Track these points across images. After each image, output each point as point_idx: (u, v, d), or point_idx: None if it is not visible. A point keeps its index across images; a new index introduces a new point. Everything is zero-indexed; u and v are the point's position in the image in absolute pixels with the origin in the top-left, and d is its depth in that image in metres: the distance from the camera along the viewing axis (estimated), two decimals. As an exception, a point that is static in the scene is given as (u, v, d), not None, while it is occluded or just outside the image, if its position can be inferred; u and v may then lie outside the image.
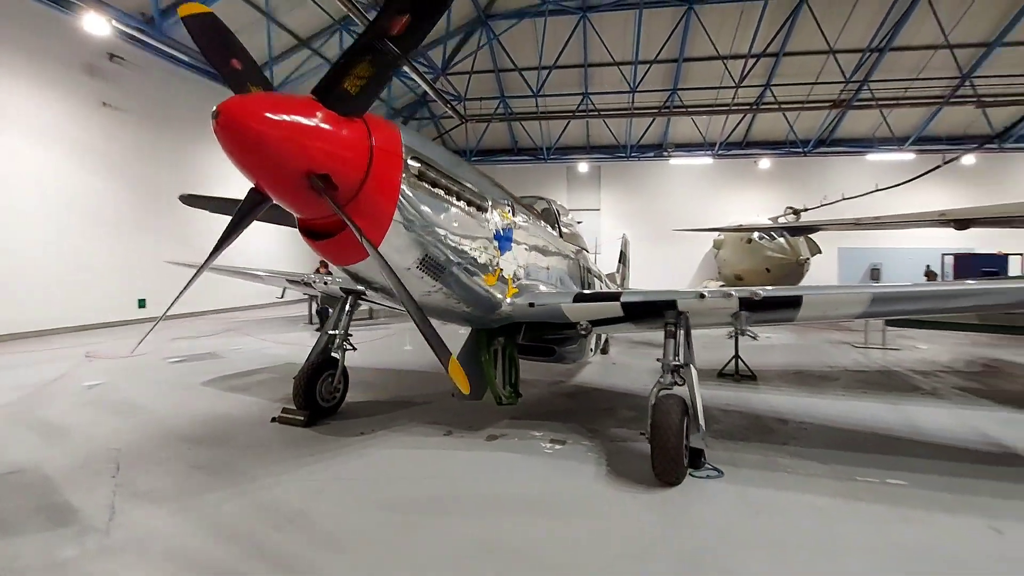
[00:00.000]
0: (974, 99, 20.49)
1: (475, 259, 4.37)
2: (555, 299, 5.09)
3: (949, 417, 6.19)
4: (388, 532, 3.47)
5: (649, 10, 19.55)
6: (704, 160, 26.07)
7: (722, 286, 22.73)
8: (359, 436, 5.32)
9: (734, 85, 20.83)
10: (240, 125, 2.79)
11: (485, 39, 21.50)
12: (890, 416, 6.25)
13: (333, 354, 6.04)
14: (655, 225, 27.04)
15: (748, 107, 22.70)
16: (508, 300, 4.91)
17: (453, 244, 4.09)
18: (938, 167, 16.86)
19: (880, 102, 21.25)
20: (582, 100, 24.38)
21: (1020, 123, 22.67)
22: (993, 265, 19.62)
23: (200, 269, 3.52)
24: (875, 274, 25.89)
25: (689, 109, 23.37)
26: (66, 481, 4.12)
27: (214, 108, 2.79)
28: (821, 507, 3.89)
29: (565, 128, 26.12)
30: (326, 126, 3.00)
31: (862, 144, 25.25)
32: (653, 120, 25.15)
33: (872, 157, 24.58)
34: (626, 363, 9.48)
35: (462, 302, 4.51)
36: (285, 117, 2.86)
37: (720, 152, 25.71)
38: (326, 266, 14.76)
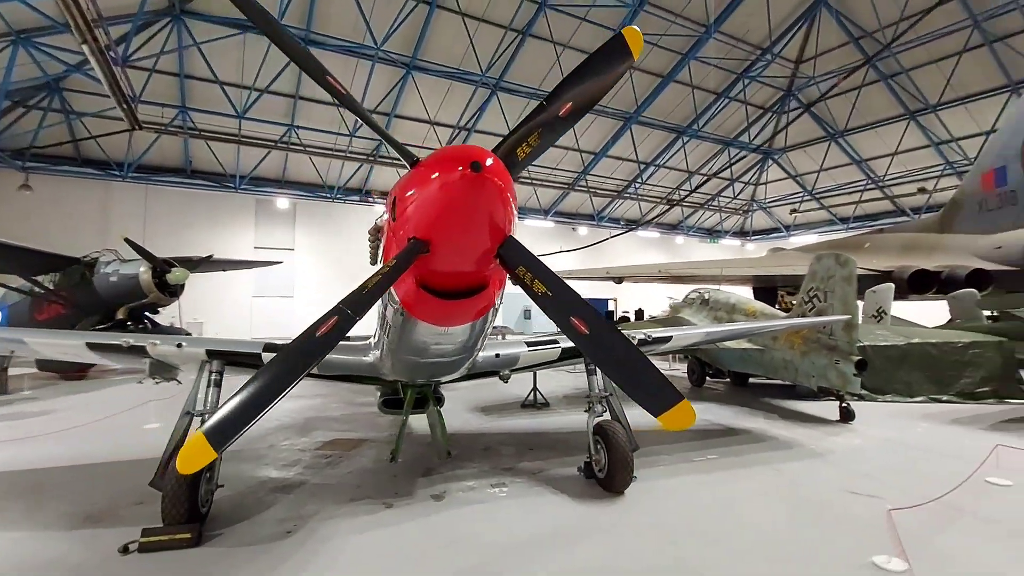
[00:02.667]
0: (586, 188, 29.40)
1: None
2: (516, 348, 5.47)
3: (679, 412, 9.24)
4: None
5: (378, 64, 20.52)
6: (406, 209, 28.21)
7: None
8: (288, 536, 4.30)
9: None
10: (497, 183, 2.70)
11: (180, 39, 18.03)
12: (648, 417, 8.86)
13: (203, 441, 4.59)
14: (356, 268, 27.55)
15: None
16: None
17: None
18: (614, 236, 23.81)
19: (534, 181, 27.77)
20: (287, 132, 23.05)
21: (607, 208, 33.57)
22: (603, 307, 28.21)
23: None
24: (527, 314, 33.03)
25: (395, 161, 25.17)
26: None
27: (470, 158, 2.61)
28: (704, 481, 5.63)
29: (264, 158, 23.90)
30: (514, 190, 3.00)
31: (520, 211, 32.26)
32: (361, 165, 25.81)
33: (528, 222, 31.73)
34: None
35: (474, 355, 4.47)
36: (509, 180, 2.78)
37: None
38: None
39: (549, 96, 3.12)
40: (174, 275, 14.07)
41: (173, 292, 14.55)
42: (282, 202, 25.62)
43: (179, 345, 4.73)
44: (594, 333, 3.03)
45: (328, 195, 26.79)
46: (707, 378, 12.16)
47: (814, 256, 9.21)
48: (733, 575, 3.68)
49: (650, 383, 3.15)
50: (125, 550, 3.98)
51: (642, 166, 29.74)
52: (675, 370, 14.30)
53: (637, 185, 31.25)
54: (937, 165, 26.89)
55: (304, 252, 27.01)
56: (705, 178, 32.43)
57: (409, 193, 2.88)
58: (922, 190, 27.61)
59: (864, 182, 30.36)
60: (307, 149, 23.03)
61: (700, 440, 7.35)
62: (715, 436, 7.59)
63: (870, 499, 5.00)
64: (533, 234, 31.14)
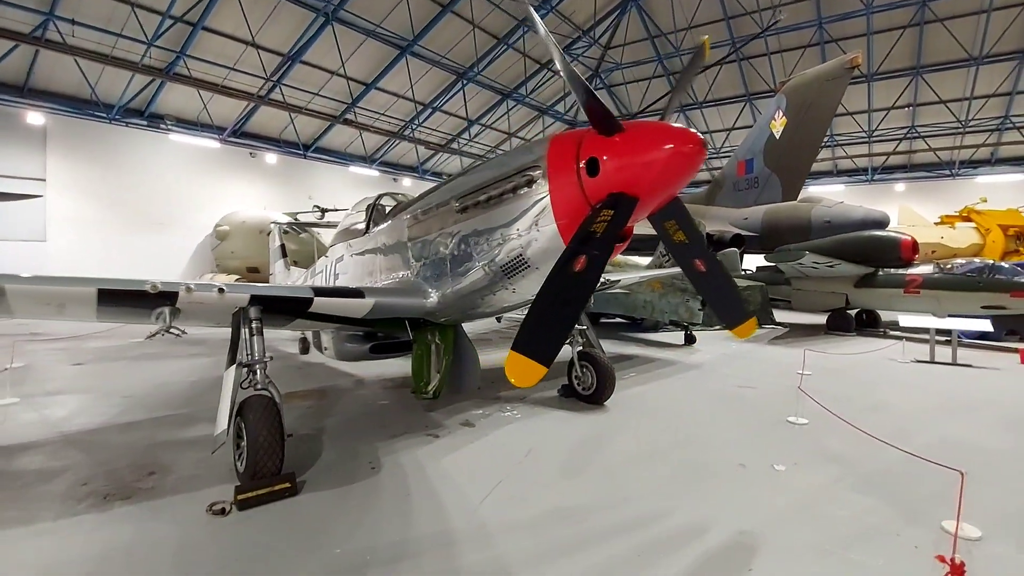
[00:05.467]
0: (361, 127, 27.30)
1: None
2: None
3: (573, 346, 11.01)
4: (601, 477, 4.32)
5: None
6: (210, 143, 24.04)
7: (238, 279, 22.35)
8: (376, 472, 4.53)
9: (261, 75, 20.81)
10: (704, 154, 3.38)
11: None
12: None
13: (262, 392, 4.38)
14: (137, 209, 22.91)
15: (252, 96, 22.55)
16: None
17: None
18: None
19: (289, 106, 23.58)
20: (43, 23, 17.44)
21: (430, 160, 33.75)
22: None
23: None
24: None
25: (199, 82, 21.22)
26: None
27: (695, 135, 3.33)
28: (647, 390, 7.37)
29: (6, 55, 17.70)
30: None
31: (343, 156, 30.17)
32: (152, 80, 20.97)
33: (354, 169, 30.04)
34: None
35: None
36: None
37: (227, 138, 24.46)
38: None
39: (673, 90, 4.08)
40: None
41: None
42: (34, 117, 19.36)
43: (220, 291, 4.22)
44: (709, 271, 4.14)
45: (102, 115, 21.19)
46: (571, 320, 14.31)
47: (672, 220, 11.74)
48: (729, 437, 5.35)
49: (733, 305, 4.41)
50: (222, 512, 3.77)
51: (469, 123, 30.72)
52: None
53: (463, 141, 32.22)
54: (693, 150, 34.22)
55: (61, 185, 21.03)
56: (523, 141, 35.09)
57: (626, 156, 3.44)
58: (683, 169, 34.93)
59: (642, 158, 36.84)
60: (75, 50, 17.79)
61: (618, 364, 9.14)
62: (619, 361, 9.50)
63: (753, 389, 7.36)
64: (354, 181, 29.77)
